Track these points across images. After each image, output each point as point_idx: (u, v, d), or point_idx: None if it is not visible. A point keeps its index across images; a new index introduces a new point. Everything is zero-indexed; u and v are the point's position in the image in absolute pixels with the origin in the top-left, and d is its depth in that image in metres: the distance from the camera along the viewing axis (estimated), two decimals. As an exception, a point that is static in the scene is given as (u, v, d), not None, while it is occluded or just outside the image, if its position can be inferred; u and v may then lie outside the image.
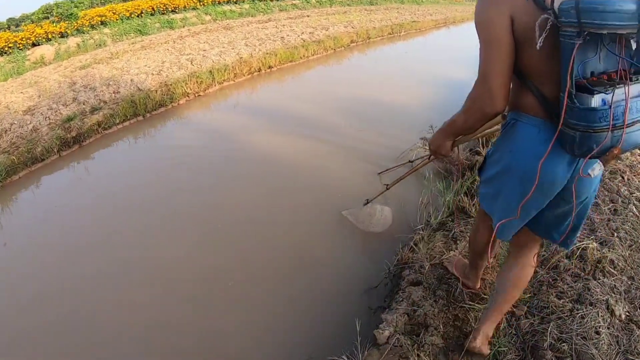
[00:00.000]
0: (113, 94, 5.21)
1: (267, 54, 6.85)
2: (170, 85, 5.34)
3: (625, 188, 2.38)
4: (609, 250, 1.81)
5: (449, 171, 3.03)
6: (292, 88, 5.92)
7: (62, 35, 9.32)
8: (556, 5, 0.84)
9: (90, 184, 3.45)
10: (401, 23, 10.91)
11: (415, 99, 5.22)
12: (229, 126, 4.40)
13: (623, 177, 2.53)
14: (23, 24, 10.45)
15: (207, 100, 5.42)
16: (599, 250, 1.80)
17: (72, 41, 9.22)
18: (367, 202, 2.53)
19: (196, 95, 5.43)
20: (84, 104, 4.96)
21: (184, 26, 10.41)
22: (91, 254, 2.49)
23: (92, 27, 9.76)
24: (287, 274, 2.22)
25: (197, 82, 5.44)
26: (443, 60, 8.22)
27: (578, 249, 1.83)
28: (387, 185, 2.39)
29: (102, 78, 5.83)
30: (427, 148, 1.53)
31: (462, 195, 2.50)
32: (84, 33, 9.55)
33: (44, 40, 8.98)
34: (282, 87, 6.06)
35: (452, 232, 2.20)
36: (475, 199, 2.38)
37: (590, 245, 1.80)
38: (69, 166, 3.84)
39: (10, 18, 12.21)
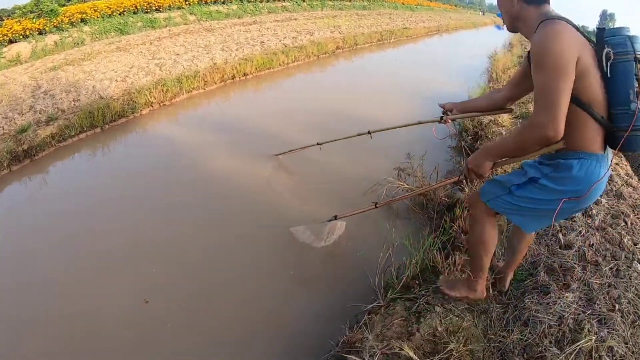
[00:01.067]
0: (72, 102, 4.98)
1: (243, 59, 6.63)
2: (134, 93, 5.11)
3: (629, 238, 2.10)
4: (608, 333, 1.53)
5: (425, 207, 2.81)
6: (264, 99, 5.70)
7: (41, 32, 9.07)
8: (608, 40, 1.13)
9: (39, 202, 3.22)
10: (392, 29, 10.70)
11: (394, 116, 5.00)
12: (187, 142, 4.18)
13: (626, 222, 2.23)
14: (10, 17, 10.14)
15: (172, 110, 5.20)
16: (596, 334, 1.51)
17: (50, 39, 8.97)
18: (335, 218, 2.40)
19: (161, 104, 5.21)
20: (40, 113, 4.73)
21: (166, 26, 10.16)
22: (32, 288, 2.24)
23: (72, 24, 9.51)
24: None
25: (162, 90, 5.21)
26: (431, 69, 8.02)
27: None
28: (376, 203, 2.23)
29: (66, 83, 5.60)
30: (462, 166, 1.54)
31: (434, 251, 2.08)
32: (62, 30, 9.30)
33: (21, 37, 8.73)
34: (253, 97, 5.84)
35: (417, 304, 1.79)
36: (452, 258, 2.02)
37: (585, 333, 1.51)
38: (20, 181, 3.62)
39: (3, 9, 11.81)
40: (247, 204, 2.96)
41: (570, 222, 2.27)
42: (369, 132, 2.47)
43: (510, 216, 1.43)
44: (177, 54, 6.55)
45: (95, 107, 4.72)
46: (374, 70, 7.85)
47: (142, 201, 3.08)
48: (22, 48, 8.49)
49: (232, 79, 6.16)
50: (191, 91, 5.58)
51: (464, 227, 2.31)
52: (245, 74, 6.32)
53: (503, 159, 1.33)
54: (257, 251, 2.46)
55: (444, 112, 1.77)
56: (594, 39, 1.18)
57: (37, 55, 8.36)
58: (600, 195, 1.41)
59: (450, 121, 1.75)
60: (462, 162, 3.34)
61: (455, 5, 33.47)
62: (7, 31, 8.47)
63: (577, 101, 1.14)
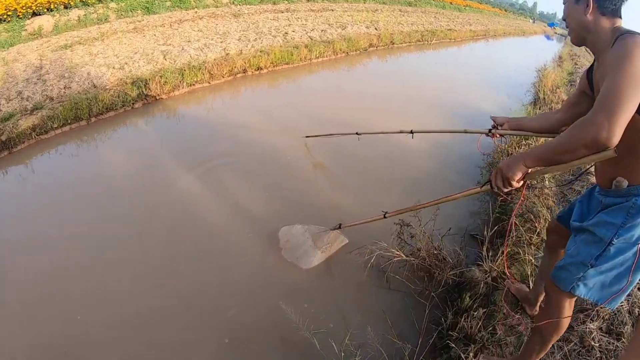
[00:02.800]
0: (63, 90, 4.51)
1: (260, 52, 5.92)
2: (128, 84, 4.54)
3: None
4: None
5: (426, 279, 2.13)
6: (273, 100, 4.97)
7: (66, 7, 8.80)
8: None
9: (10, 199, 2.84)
10: (434, 30, 9.57)
11: (421, 141, 4.13)
12: (172, 147, 3.57)
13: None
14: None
15: (169, 105, 4.61)
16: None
17: (75, 14, 8.67)
18: (339, 227, 2.29)
19: (157, 98, 4.61)
20: (27, 100, 4.30)
21: (196, 7, 9.61)
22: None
23: None
24: None
25: (160, 82, 4.60)
26: (470, 79, 6.95)
27: None
28: (386, 213, 1.99)
29: (65, 66, 5.16)
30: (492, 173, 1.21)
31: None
32: (88, 6, 8.99)
33: (45, 10, 8.49)
34: (262, 97, 5.13)
35: None
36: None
37: None
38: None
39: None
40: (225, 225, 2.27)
41: None
42: (411, 132, 2.37)
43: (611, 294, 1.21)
44: (189, 41, 5.94)
45: (84, 97, 4.21)
46: (406, 74, 6.91)
47: (106, 208, 2.55)
48: (45, 22, 8.23)
49: (244, 72, 5.48)
50: (194, 84, 4.96)
51: (472, 332, 1.69)
52: (259, 68, 5.61)
53: (539, 168, 1.12)
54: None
55: (493, 126, 1.69)
56: None
57: (59, 30, 8.08)
58: None
59: (498, 136, 1.69)
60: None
61: (506, 10, 31.32)
62: (32, 3, 8.23)
63: None
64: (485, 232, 2.28)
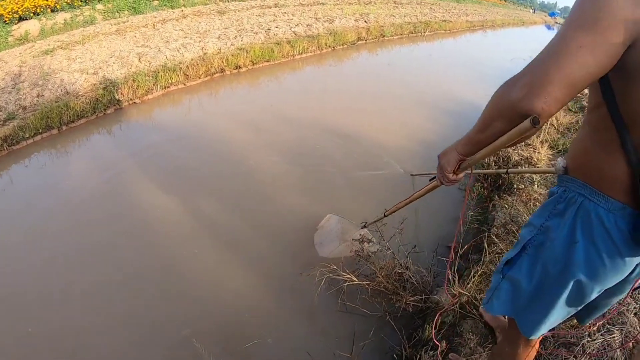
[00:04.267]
0: (36, 98, 4.45)
1: (239, 50, 5.77)
2: (99, 90, 4.46)
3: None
4: None
5: (385, 302, 1.94)
6: (248, 102, 4.82)
7: (53, 10, 8.75)
8: None
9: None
10: (428, 21, 9.24)
11: (399, 135, 3.97)
12: (135, 158, 3.48)
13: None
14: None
15: (140, 110, 4.52)
16: None
17: (61, 17, 8.63)
18: (365, 226, 2.34)
19: (130, 102, 4.52)
20: (0, 111, 4.22)
21: (184, 5, 9.48)
22: None
23: (86, 1, 9.10)
24: None
25: (132, 86, 4.50)
26: (466, 72, 6.69)
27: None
28: (386, 210, 2.06)
29: (41, 73, 5.11)
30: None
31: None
32: (75, 8, 8.92)
33: (32, 14, 8.45)
34: (237, 98, 4.99)
35: None
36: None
37: None
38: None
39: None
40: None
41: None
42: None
43: (516, 315, 0.97)
44: (167, 42, 5.82)
45: (55, 106, 4.14)
46: (396, 69, 6.68)
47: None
48: (32, 26, 8.21)
49: (222, 72, 5.35)
50: (168, 87, 4.85)
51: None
52: (237, 67, 5.46)
53: (473, 156, 0.87)
54: None
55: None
56: None
57: (45, 34, 8.05)
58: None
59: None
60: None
61: (505, 1, 30.63)
62: (18, 7, 8.20)
63: (614, 111, 0.68)
64: (452, 254, 1.93)
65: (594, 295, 0.84)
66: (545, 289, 0.87)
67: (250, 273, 2.18)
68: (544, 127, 3.65)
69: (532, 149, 3.27)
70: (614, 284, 0.83)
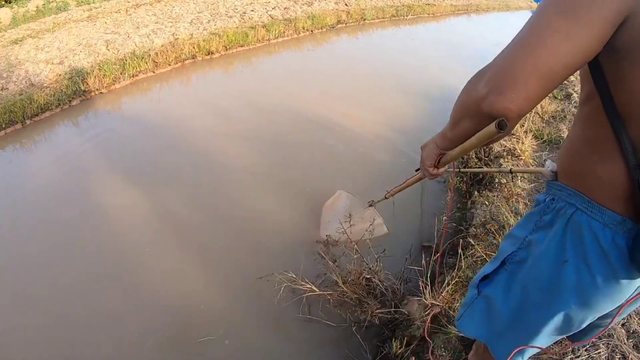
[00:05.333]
0: (0, 91, 4.32)
1: (212, 34, 5.62)
2: (64, 80, 4.35)
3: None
4: None
5: (350, 314, 1.84)
6: (220, 90, 4.74)
7: (25, -4, 8.47)
8: None
9: None
10: (410, 4, 8.99)
11: (381, 126, 3.91)
12: (100, 151, 3.45)
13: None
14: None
15: (107, 100, 4.44)
16: None
17: (33, 4, 8.36)
18: (372, 204, 2.34)
19: (96, 93, 4.42)
20: (-38, 104, 4.13)
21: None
22: None
23: (59, -13, 8.79)
24: None
25: (98, 75, 4.39)
26: (449, 57, 6.57)
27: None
28: (387, 192, 2.02)
29: (8, 64, 4.96)
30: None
31: None
32: (47, -6, 8.63)
33: (3, 1, 8.20)
34: (209, 86, 4.90)
35: None
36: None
37: None
38: None
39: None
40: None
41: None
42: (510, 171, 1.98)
43: (489, 341, 0.87)
44: (137, 27, 5.65)
45: (19, 99, 4.05)
46: (375, 53, 6.55)
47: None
48: (3, 14, 7.95)
49: (193, 58, 5.22)
50: (137, 75, 4.74)
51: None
52: (210, 53, 5.33)
53: (451, 152, 0.79)
54: None
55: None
56: None
57: (17, 23, 7.80)
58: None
59: None
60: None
61: None
62: (-12, -5, 7.94)
63: (608, 101, 0.57)
64: (423, 258, 1.80)
65: (585, 324, 0.72)
66: (524, 315, 0.74)
67: (212, 271, 2.16)
68: (528, 115, 3.50)
69: (515, 139, 3.15)
70: (609, 310, 0.71)
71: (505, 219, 2.14)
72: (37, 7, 8.29)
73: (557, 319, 0.71)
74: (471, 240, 2.03)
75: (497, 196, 2.44)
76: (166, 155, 3.27)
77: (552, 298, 0.70)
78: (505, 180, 2.57)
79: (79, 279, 2.08)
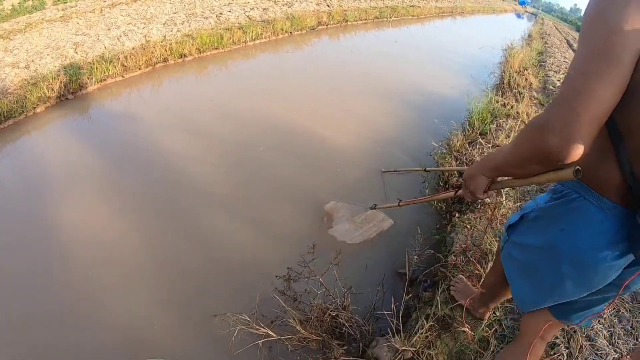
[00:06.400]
0: (-37, 96, 4.20)
1: (186, 36, 5.52)
2: (32, 84, 4.24)
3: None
4: None
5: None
6: (190, 96, 4.66)
7: (0, -5, 8.27)
8: None
9: None
10: (394, 6, 8.92)
11: (358, 136, 3.86)
12: (62, 165, 3.37)
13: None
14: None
15: (74, 106, 4.37)
16: None
17: (9, 2, 8.17)
18: (375, 207, 2.52)
19: (62, 99, 4.32)
20: None
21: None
22: None
23: (35, -15, 8.59)
24: None
25: (63, 81, 4.29)
26: (433, 60, 6.52)
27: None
28: (400, 200, 2.13)
29: (-28, 66, 4.80)
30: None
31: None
32: (23, -8, 8.44)
33: (-24, 0, 7.99)
34: (179, 91, 4.80)
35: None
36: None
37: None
38: None
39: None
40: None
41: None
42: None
43: (510, 280, 1.10)
44: (109, 29, 5.53)
45: (-19, 105, 3.94)
46: (355, 56, 6.48)
47: None
48: (-23, 13, 7.78)
49: (165, 62, 5.12)
50: (105, 80, 4.64)
51: None
52: (182, 56, 5.24)
53: (503, 179, 0.92)
54: None
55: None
56: None
57: (-10, 22, 7.63)
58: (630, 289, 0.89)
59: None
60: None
61: None
62: (-41, -7, 7.73)
63: (610, 121, 0.68)
64: (393, 301, 1.67)
65: (577, 294, 0.90)
66: (530, 265, 0.96)
67: (167, 304, 2.08)
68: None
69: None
70: (597, 287, 0.87)
71: (489, 246, 1.98)
72: (12, 5, 8.11)
73: (555, 277, 0.90)
74: (446, 272, 1.91)
75: (480, 218, 2.29)
76: (127, 170, 3.19)
77: (550, 253, 0.89)
78: (489, 200, 2.39)
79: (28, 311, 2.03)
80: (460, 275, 1.86)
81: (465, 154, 3.24)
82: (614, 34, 0.62)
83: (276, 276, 1.88)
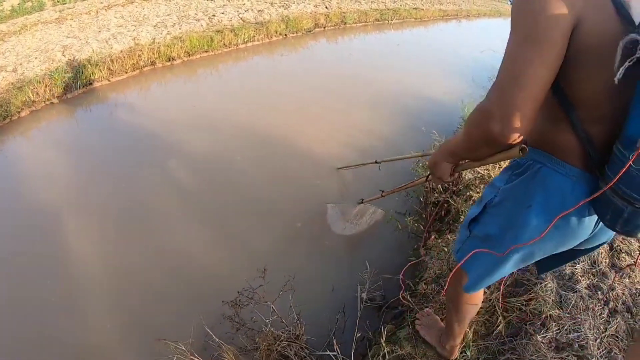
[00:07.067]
0: (-51, 99, 4.21)
1: (176, 39, 5.47)
2: (13, 90, 4.24)
3: None
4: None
5: None
6: (171, 102, 4.59)
7: (1, -4, 8.36)
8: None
9: None
10: (396, 8, 8.74)
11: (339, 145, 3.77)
12: (64, 157, 3.34)
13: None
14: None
15: (59, 111, 4.37)
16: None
17: (9, 3, 8.26)
18: (362, 202, 2.63)
19: (47, 103, 4.31)
20: None
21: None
22: None
23: (35, -14, 8.66)
24: None
25: (48, 84, 4.28)
26: (430, 64, 6.37)
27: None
28: (382, 191, 2.24)
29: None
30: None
31: None
32: (23, -7, 8.51)
33: (-23, 1, 8.09)
34: (165, 96, 4.76)
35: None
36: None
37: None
38: None
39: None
40: None
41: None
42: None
43: (466, 270, 1.07)
44: (99, 31, 5.51)
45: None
46: (354, 60, 6.36)
47: None
48: (-23, 14, 7.86)
49: (152, 65, 5.08)
50: (90, 84, 4.61)
51: None
52: (170, 59, 5.19)
53: (464, 162, 0.95)
54: None
55: None
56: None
57: (-10, 23, 7.70)
58: (601, 245, 0.94)
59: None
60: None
61: None
62: (-40, -6, 7.82)
63: (559, 92, 0.75)
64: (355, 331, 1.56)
65: (547, 255, 0.93)
66: (498, 247, 0.93)
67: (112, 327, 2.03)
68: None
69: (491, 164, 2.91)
70: (570, 246, 0.90)
71: (439, 264, 1.88)
72: (12, 6, 8.18)
73: (522, 252, 0.90)
74: (411, 304, 1.77)
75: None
76: (98, 177, 3.15)
77: (517, 235, 0.87)
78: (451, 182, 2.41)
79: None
80: (427, 309, 1.71)
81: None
82: (539, 16, 0.65)
83: (223, 301, 1.79)
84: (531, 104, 0.66)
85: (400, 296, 1.86)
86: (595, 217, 0.83)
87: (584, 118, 0.75)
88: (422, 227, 2.50)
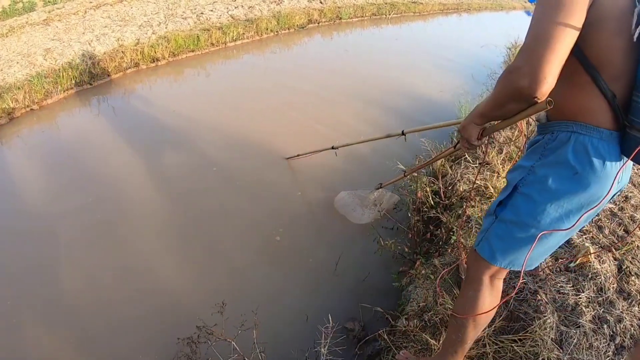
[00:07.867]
0: None
1: (162, 38, 5.31)
2: (-6, 94, 4.13)
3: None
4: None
5: None
6: (156, 105, 4.44)
7: (-8, -3, 8.26)
8: None
9: None
10: (394, 2, 8.44)
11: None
12: (42, 168, 3.24)
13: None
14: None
15: (40, 117, 4.26)
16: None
17: None
18: (380, 186, 2.60)
19: (26, 109, 4.20)
20: None
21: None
22: None
23: (26, -14, 8.54)
24: None
25: (28, 90, 4.16)
26: (427, 60, 6.12)
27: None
28: (405, 171, 2.25)
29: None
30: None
31: None
32: (15, -6, 8.40)
33: (-32, 3, 8.00)
34: (149, 100, 4.60)
35: None
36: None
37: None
38: None
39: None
40: None
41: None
42: (402, 133, 2.13)
43: (506, 260, 1.05)
44: (83, 33, 5.37)
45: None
46: (346, 57, 6.14)
47: None
48: (-32, 16, 7.78)
49: (136, 67, 4.93)
50: (71, 88, 4.48)
51: None
52: (155, 60, 5.03)
53: (490, 123, 1.00)
54: None
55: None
56: None
57: (-20, 25, 7.62)
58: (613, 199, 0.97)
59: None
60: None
61: None
62: (-50, -4, 7.73)
63: (582, 57, 0.84)
64: None
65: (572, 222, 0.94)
66: (540, 225, 0.94)
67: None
68: (513, 148, 3.21)
69: (489, 173, 2.54)
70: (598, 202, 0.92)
71: (452, 301, 1.65)
72: (2, 7, 8.08)
73: (567, 220, 0.93)
74: (389, 343, 1.61)
75: (449, 265, 1.93)
76: (69, 188, 3.03)
77: (563, 204, 0.91)
78: (463, 240, 2.03)
79: None
80: (405, 351, 1.55)
81: (447, 175, 2.79)
82: None
83: (178, 338, 1.65)
84: (556, 61, 0.75)
85: (377, 334, 1.70)
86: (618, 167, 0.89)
87: (607, 78, 0.83)
88: (406, 249, 2.30)
